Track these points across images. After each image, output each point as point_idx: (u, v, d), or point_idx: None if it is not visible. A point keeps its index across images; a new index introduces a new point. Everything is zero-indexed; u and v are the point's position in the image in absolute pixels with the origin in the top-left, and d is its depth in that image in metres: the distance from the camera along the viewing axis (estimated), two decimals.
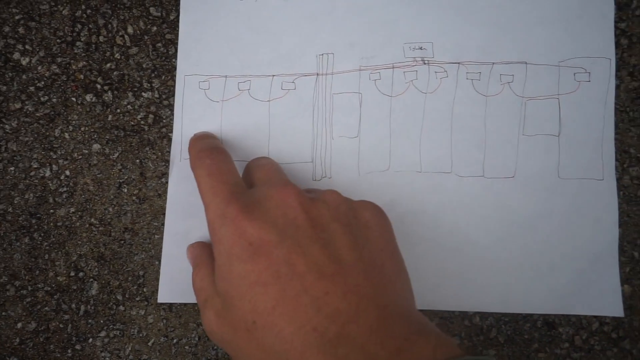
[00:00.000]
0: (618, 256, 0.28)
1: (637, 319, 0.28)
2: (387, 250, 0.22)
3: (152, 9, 0.30)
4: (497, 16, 0.29)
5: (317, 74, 0.29)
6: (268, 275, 0.19)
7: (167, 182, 0.29)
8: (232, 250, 0.20)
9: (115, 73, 0.29)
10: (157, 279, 0.28)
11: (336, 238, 0.20)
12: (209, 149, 0.25)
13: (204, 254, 0.24)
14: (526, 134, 0.29)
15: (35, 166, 0.29)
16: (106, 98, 0.29)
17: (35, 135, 0.29)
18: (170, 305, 0.28)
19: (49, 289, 0.28)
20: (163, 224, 0.28)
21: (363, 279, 0.19)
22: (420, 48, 0.29)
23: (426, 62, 0.29)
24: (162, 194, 0.29)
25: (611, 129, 0.29)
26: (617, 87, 0.29)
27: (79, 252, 0.28)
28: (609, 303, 0.28)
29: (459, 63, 0.29)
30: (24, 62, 0.29)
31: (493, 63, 0.29)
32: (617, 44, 0.29)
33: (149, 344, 0.28)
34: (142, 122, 0.29)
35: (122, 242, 0.28)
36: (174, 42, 0.29)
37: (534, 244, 0.28)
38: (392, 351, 0.17)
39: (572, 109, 0.29)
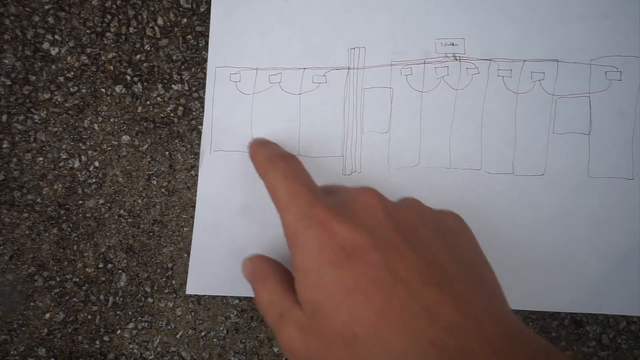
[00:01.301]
0: None
1: None
2: (479, 258, 0.20)
3: (182, 1, 0.30)
4: (529, 13, 0.29)
5: (349, 68, 0.29)
6: (367, 282, 0.17)
7: (196, 175, 0.28)
8: (322, 254, 0.18)
9: (145, 64, 0.29)
10: (186, 272, 0.28)
11: (429, 244, 0.19)
12: (282, 154, 0.23)
13: (267, 267, 0.22)
14: (556, 132, 0.29)
15: (64, 157, 0.29)
16: (136, 89, 0.29)
17: (65, 125, 0.29)
18: (199, 297, 0.28)
19: (78, 280, 0.28)
20: (192, 217, 0.28)
21: (469, 289, 0.17)
22: (452, 44, 0.29)
23: (458, 58, 0.29)
24: (191, 187, 0.29)
25: None
26: None
27: (107, 244, 0.28)
28: (637, 302, 0.28)
29: (490, 60, 0.29)
30: (53, 52, 0.29)
31: (524, 60, 0.29)
32: None
33: (177, 336, 0.28)
34: (171, 114, 0.29)
35: (151, 234, 0.28)
36: (204, 35, 0.29)
37: (562, 242, 0.28)
38: None
39: (602, 108, 0.29)
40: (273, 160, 0.23)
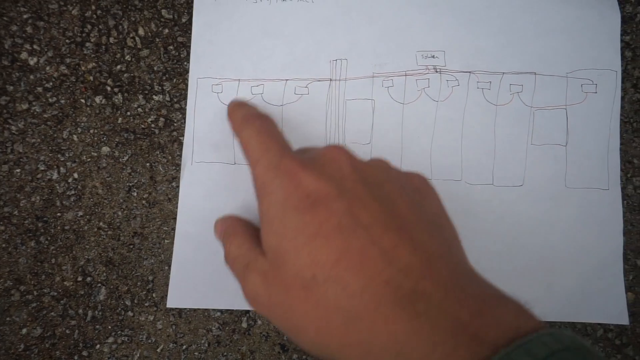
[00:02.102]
0: (623, 264, 0.28)
1: None
2: (442, 215, 0.21)
3: (163, 11, 0.29)
4: (508, 27, 0.30)
5: (331, 80, 0.29)
6: (329, 227, 0.17)
7: (177, 186, 0.28)
8: (288, 202, 0.19)
9: (125, 75, 0.29)
10: (167, 284, 0.27)
11: (393, 197, 0.19)
12: (257, 113, 0.24)
13: (236, 224, 0.23)
14: (534, 143, 0.29)
15: (42, 168, 0.28)
16: (116, 100, 0.29)
17: (43, 136, 0.29)
18: (180, 310, 0.28)
19: (56, 294, 0.28)
20: (173, 229, 0.28)
21: (427, 237, 0.18)
22: (433, 56, 0.29)
23: (438, 70, 0.29)
24: (172, 198, 0.28)
25: (617, 139, 0.29)
26: (622, 98, 0.29)
27: (86, 257, 0.28)
28: (613, 311, 0.28)
29: (470, 72, 0.29)
30: (31, 62, 0.29)
31: (503, 73, 0.29)
32: (622, 57, 0.30)
33: (158, 350, 0.27)
34: (152, 125, 0.29)
35: (131, 246, 0.28)
36: (185, 45, 0.29)
37: (540, 251, 0.29)
38: (473, 312, 0.15)
39: (579, 120, 0.29)
40: (248, 119, 0.24)
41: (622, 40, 0.30)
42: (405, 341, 0.15)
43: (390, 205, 0.19)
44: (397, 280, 0.16)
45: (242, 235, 0.22)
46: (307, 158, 0.20)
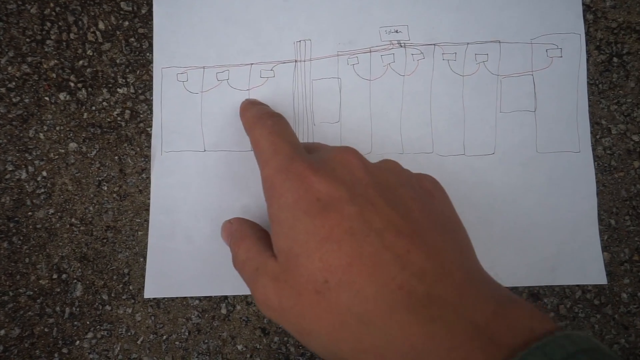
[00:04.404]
0: (598, 225, 0.29)
1: (617, 285, 0.29)
2: (454, 218, 0.21)
3: (122, 4, 0.29)
4: None
5: (296, 61, 0.29)
6: (341, 231, 0.17)
7: (147, 178, 0.28)
8: (298, 205, 0.18)
9: (88, 70, 0.29)
10: (143, 276, 0.27)
11: (406, 201, 0.19)
12: (270, 113, 0.24)
13: (244, 227, 0.22)
14: (503, 111, 0.29)
15: (10, 169, 0.28)
16: (80, 96, 0.29)
17: (9, 137, 0.28)
18: (158, 301, 0.27)
19: (32, 293, 0.27)
20: (146, 220, 0.28)
21: (440, 242, 0.18)
22: (396, 31, 0.29)
23: (402, 44, 0.29)
24: (143, 190, 0.28)
25: (585, 102, 0.29)
26: (586, 61, 0.30)
27: (60, 254, 0.28)
28: (591, 271, 0.28)
29: (434, 44, 0.29)
30: None
31: (467, 43, 0.29)
32: (584, 20, 0.30)
33: (138, 342, 0.27)
34: (118, 118, 0.29)
35: (105, 240, 0.28)
36: (147, 36, 0.29)
37: (515, 217, 0.29)
38: (487, 316, 0.15)
39: (546, 85, 0.29)
40: (261, 117, 0.23)
41: (582, 4, 0.30)
42: (421, 346, 0.15)
43: (403, 209, 0.18)
44: (410, 285, 0.16)
45: (250, 239, 0.21)
46: (319, 160, 0.20)
